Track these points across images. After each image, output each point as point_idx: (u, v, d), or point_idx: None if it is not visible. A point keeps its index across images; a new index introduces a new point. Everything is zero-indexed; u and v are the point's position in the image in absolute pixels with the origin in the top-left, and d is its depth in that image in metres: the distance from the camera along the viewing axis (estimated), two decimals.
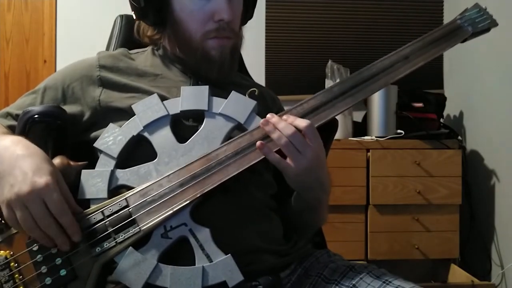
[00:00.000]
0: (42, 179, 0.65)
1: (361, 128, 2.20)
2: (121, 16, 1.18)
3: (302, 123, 0.75)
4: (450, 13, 2.53)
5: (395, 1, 2.57)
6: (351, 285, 0.73)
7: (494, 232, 2.07)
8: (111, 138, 0.78)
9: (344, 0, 2.56)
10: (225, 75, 0.89)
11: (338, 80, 2.20)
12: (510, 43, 1.96)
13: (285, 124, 0.74)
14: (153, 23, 0.91)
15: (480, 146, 2.20)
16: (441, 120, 2.24)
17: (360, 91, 0.81)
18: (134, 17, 0.92)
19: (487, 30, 0.88)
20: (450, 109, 2.39)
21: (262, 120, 0.77)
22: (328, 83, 2.25)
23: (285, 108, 1.03)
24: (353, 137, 2.14)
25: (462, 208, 2.09)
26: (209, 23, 0.85)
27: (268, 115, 0.77)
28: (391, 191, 2.01)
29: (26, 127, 0.82)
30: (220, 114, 0.80)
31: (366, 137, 2.09)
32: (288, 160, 0.74)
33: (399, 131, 2.06)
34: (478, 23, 0.87)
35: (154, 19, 0.89)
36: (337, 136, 2.05)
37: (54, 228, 0.66)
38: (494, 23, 0.88)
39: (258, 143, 0.74)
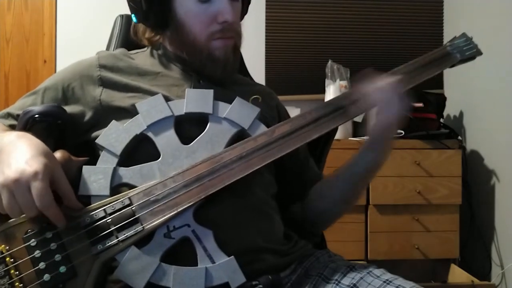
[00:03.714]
0: (32, 168, 0.64)
1: (361, 128, 2.20)
2: (121, 16, 1.18)
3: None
4: (450, 13, 2.53)
5: (395, 1, 2.57)
6: (351, 285, 0.73)
7: (494, 232, 2.07)
8: (114, 136, 0.77)
9: (344, 0, 2.56)
10: (228, 74, 0.90)
11: (338, 80, 2.20)
12: (510, 43, 1.96)
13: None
14: (154, 26, 0.90)
15: (480, 146, 2.20)
16: (441, 120, 2.24)
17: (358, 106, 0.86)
18: (135, 20, 0.91)
19: (473, 58, 0.96)
20: (450, 109, 2.39)
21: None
22: (328, 83, 2.25)
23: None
24: (353, 137, 2.14)
25: (462, 208, 2.09)
26: (213, 25, 0.85)
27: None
28: (391, 191, 2.01)
29: (26, 126, 0.82)
30: (225, 119, 0.81)
31: (366, 137, 2.08)
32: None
33: (399, 131, 2.06)
34: (465, 51, 0.95)
35: (155, 21, 0.88)
36: (337, 136, 2.05)
37: (38, 217, 0.65)
38: (478, 52, 0.96)
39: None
